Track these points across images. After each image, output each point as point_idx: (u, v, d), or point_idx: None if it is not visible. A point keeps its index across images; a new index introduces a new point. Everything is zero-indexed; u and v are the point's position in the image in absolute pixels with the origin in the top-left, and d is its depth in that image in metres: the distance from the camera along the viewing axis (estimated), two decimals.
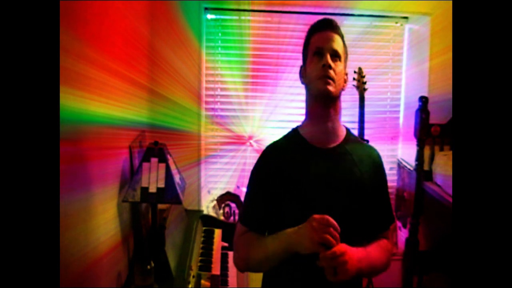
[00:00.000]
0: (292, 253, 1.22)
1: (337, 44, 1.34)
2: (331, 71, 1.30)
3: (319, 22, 1.38)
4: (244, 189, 2.76)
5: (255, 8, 2.68)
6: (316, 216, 1.17)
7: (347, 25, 2.78)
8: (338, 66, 1.33)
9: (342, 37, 1.37)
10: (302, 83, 1.42)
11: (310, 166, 1.33)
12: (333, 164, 1.34)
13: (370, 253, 1.30)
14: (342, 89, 1.37)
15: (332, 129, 1.36)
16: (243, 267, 1.41)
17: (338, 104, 1.37)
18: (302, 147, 1.37)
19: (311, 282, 1.27)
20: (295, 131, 1.44)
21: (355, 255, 1.19)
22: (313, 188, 1.31)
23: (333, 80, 1.30)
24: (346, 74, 1.39)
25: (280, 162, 1.36)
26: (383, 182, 1.42)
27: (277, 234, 1.27)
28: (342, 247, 1.15)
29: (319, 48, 1.33)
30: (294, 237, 1.21)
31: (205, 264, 2.02)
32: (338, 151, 1.36)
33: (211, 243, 2.24)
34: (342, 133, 1.40)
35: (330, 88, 1.29)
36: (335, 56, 1.33)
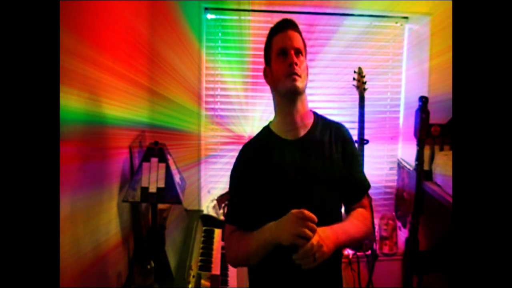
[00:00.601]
0: (275, 245, 1.30)
1: (298, 42, 1.42)
2: (297, 68, 1.38)
3: (279, 23, 1.45)
4: None
5: (255, 8, 2.68)
6: (294, 210, 1.26)
7: (347, 25, 2.78)
8: (302, 62, 1.41)
9: (300, 34, 1.46)
10: (268, 83, 1.48)
11: (283, 158, 1.42)
12: (305, 153, 1.42)
13: (347, 226, 1.39)
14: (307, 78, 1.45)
15: (300, 120, 1.44)
16: (234, 264, 1.51)
17: (304, 97, 1.45)
18: (274, 141, 1.45)
19: (294, 269, 1.30)
20: (266, 127, 1.52)
21: (331, 236, 1.28)
22: (289, 178, 1.40)
23: (299, 76, 1.38)
24: (307, 67, 1.47)
25: (255, 158, 1.45)
26: (352, 153, 1.49)
27: (261, 228, 1.35)
28: (317, 237, 1.24)
29: (283, 48, 1.40)
30: (274, 230, 1.29)
31: (205, 264, 2.02)
32: (308, 139, 1.44)
33: (211, 243, 2.24)
34: (310, 121, 1.48)
35: (298, 84, 1.37)
36: (298, 53, 1.41)
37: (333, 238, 1.28)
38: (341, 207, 1.50)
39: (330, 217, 1.38)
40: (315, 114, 1.52)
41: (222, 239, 2.35)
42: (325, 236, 1.26)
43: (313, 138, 1.44)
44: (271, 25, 1.47)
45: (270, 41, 1.44)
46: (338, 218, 1.45)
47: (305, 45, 1.46)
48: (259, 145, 1.49)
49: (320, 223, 1.29)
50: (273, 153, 1.43)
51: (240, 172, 1.46)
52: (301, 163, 1.41)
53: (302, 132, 1.45)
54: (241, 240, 1.40)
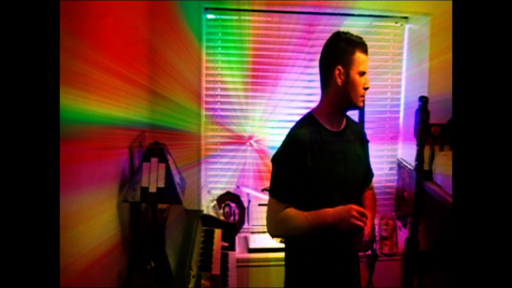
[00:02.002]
0: (332, 228, 1.58)
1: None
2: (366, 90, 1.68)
3: (363, 43, 1.66)
4: (244, 189, 2.76)
5: (255, 8, 2.67)
6: (354, 206, 1.57)
7: (347, 25, 2.77)
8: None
9: None
10: (329, 82, 1.66)
11: (331, 146, 1.67)
12: (345, 143, 1.72)
13: (372, 207, 1.81)
14: None
15: (342, 117, 1.74)
16: (278, 236, 2.03)
17: None
18: (322, 130, 1.68)
19: (334, 247, 1.67)
20: (311, 117, 1.72)
21: (370, 219, 1.66)
22: (334, 165, 1.66)
23: (364, 95, 1.68)
24: None
25: (307, 143, 1.63)
26: (367, 144, 1.88)
27: (319, 211, 1.60)
28: (369, 227, 1.62)
29: (363, 71, 1.64)
30: (336, 217, 1.58)
31: (205, 264, 2.02)
32: (345, 132, 1.73)
33: (211, 243, 2.24)
34: (344, 117, 1.75)
35: (363, 103, 1.70)
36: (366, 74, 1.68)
37: (371, 221, 1.67)
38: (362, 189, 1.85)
39: (359, 198, 1.79)
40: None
41: (222, 239, 2.35)
42: (369, 221, 1.62)
43: (348, 132, 1.75)
44: (344, 31, 1.70)
45: (354, 52, 1.63)
46: (360, 196, 1.84)
47: None
48: (308, 131, 1.66)
49: (355, 201, 1.66)
50: (321, 139, 1.65)
51: (294, 157, 1.63)
52: (344, 151, 1.70)
53: (341, 126, 1.73)
54: (296, 218, 1.61)
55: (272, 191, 1.69)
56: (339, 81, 1.64)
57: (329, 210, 1.60)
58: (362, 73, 1.64)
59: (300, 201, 1.64)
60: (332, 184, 1.67)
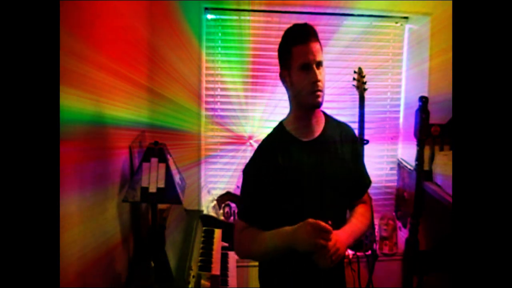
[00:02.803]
0: (291, 249, 1.37)
1: (320, 54, 1.42)
2: (320, 84, 1.41)
3: (300, 31, 1.44)
4: None
5: (255, 8, 2.67)
6: (310, 220, 1.32)
7: (347, 25, 2.77)
8: (323, 73, 1.44)
9: (319, 40, 1.44)
10: (286, 88, 1.51)
11: (300, 158, 1.47)
12: (320, 153, 1.49)
13: (355, 226, 1.50)
14: None
15: (315, 122, 1.51)
16: (244, 258, 1.62)
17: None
18: (290, 142, 1.49)
19: (306, 268, 1.42)
20: (281, 127, 1.54)
21: (345, 239, 1.40)
22: (305, 179, 1.46)
23: (322, 90, 1.43)
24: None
25: (272, 158, 1.47)
26: (357, 151, 1.60)
27: (276, 231, 1.41)
28: (334, 242, 1.34)
29: (306, 63, 1.40)
30: (292, 237, 1.36)
31: (205, 264, 2.02)
32: (321, 140, 1.50)
33: (211, 243, 2.24)
34: (322, 122, 1.54)
35: (320, 99, 1.43)
36: (319, 65, 1.43)
37: (346, 240, 1.40)
38: (347, 203, 1.59)
39: (340, 214, 1.53)
40: (325, 114, 1.58)
41: (222, 239, 2.35)
42: (339, 240, 1.36)
43: (327, 138, 1.51)
44: (289, 27, 1.48)
45: (290, 50, 1.43)
46: (345, 214, 1.57)
47: (322, 47, 1.46)
48: (276, 145, 1.51)
49: (332, 221, 1.38)
50: (290, 153, 1.46)
51: (256, 171, 1.49)
52: (317, 164, 1.47)
53: (316, 133, 1.50)
54: (255, 238, 1.45)
55: (238, 209, 1.57)
56: (288, 85, 1.48)
57: (287, 229, 1.38)
58: (305, 66, 1.40)
59: (270, 219, 1.45)
60: (302, 201, 1.45)
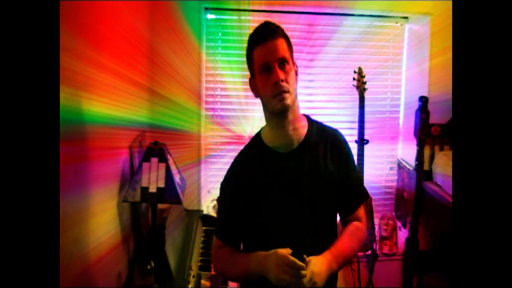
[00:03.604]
0: (263, 276, 1.24)
1: (281, 51, 1.27)
2: (284, 84, 1.26)
3: (257, 32, 1.31)
4: None
5: (255, 8, 2.67)
6: (279, 252, 1.19)
7: (347, 25, 2.77)
8: (290, 73, 1.29)
9: (283, 35, 1.30)
10: (256, 96, 1.37)
11: (275, 172, 1.34)
12: (297, 167, 1.34)
13: (340, 249, 1.31)
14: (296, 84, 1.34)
15: (293, 131, 1.35)
16: (222, 276, 1.50)
17: (295, 106, 1.34)
18: (266, 155, 1.37)
19: None
20: (258, 137, 1.43)
21: (324, 268, 1.23)
22: (281, 194, 1.33)
23: (288, 91, 1.27)
24: (294, 64, 1.34)
25: (246, 173, 1.37)
26: (348, 163, 1.40)
27: (249, 256, 1.30)
28: (309, 275, 1.17)
29: (265, 63, 1.27)
30: (262, 266, 1.23)
31: (205, 264, 2.02)
32: (301, 151, 1.35)
33: (211, 243, 2.24)
34: (303, 129, 1.38)
35: (287, 101, 1.28)
36: (283, 63, 1.28)
37: (326, 268, 1.23)
38: (334, 219, 1.44)
39: (325, 232, 1.37)
40: (309, 120, 1.43)
41: None
42: (318, 270, 1.20)
43: (307, 149, 1.35)
44: (249, 36, 1.34)
45: (251, 53, 1.31)
46: (333, 229, 1.41)
47: (290, 48, 1.32)
48: (250, 158, 1.41)
49: (314, 237, 1.31)
50: (264, 167, 1.35)
51: (230, 187, 1.40)
52: (294, 178, 1.33)
53: (296, 143, 1.36)
54: (229, 259, 1.36)
55: (216, 228, 1.45)
56: (256, 93, 1.35)
57: (259, 255, 1.25)
58: (265, 67, 1.26)
59: (246, 238, 1.39)
60: (279, 219, 1.32)
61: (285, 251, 1.20)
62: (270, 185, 1.34)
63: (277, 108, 1.29)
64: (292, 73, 1.30)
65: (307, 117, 1.44)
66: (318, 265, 1.21)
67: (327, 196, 1.36)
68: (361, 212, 1.45)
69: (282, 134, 1.35)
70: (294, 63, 1.34)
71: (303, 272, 1.17)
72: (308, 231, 1.33)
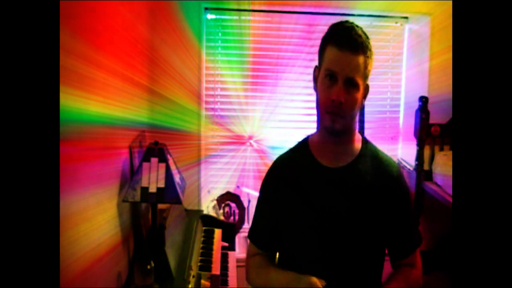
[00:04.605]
0: None
1: (357, 70, 1.15)
2: (342, 107, 1.15)
3: (341, 32, 1.17)
4: (244, 189, 2.76)
5: (255, 8, 2.67)
6: (312, 280, 1.12)
7: None
8: (354, 96, 1.16)
9: (366, 51, 1.19)
10: (314, 89, 1.26)
11: (317, 187, 1.24)
12: (341, 186, 1.23)
13: None
14: (359, 109, 1.24)
15: (343, 149, 1.26)
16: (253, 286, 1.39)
17: (350, 129, 1.25)
18: (310, 165, 1.27)
19: None
20: (305, 143, 1.33)
21: None
22: (319, 211, 1.23)
23: (343, 116, 1.16)
24: (368, 87, 1.24)
25: (287, 179, 1.28)
26: (401, 199, 1.27)
27: (281, 273, 1.24)
28: None
29: (333, 72, 1.15)
30: (290, 285, 1.17)
31: (205, 264, 2.02)
32: (347, 172, 1.24)
33: (211, 243, 2.24)
34: (356, 150, 1.27)
35: (337, 126, 1.18)
36: (351, 84, 1.16)
37: None
38: (378, 258, 1.31)
39: (365, 266, 1.25)
40: (364, 141, 1.32)
41: (222, 239, 2.35)
42: None
43: (355, 172, 1.24)
44: (332, 24, 1.21)
45: (325, 47, 1.18)
46: (376, 270, 1.29)
47: (367, 66, 1.20)
48: (294, 164, 1.30)
49: (351, 271, 1.20)
50: (307, 178, 1.25)
51: (268, 192, 1.32)
52: (337, 197, 1.22)
53: (344, 162, 1.25)
54: (261, 270, 1.31)
55: (249, 229, 1.38)
56: (314, 82, 1.24)
57: (290, 276, 1.19)
58: (331, 75, 1.15)
59: (281, 248, 1.31)
60: (311, 238, 1.23)
61: (319, 283, 1.12)
62: (309, 200, 1.24)
63: (326, 126, 1.20)
64: (357, 95, 1.17)
65: (364, 138, 1.33)
66: None
67: (368, 229, 1.23)
68: (415, 257, 1.31)
69: (332, 149, 1.25)
70: (365, 84, 1.21)
71: None
72: (342, 261, 1.23)
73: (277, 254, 1.39)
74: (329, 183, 1.24)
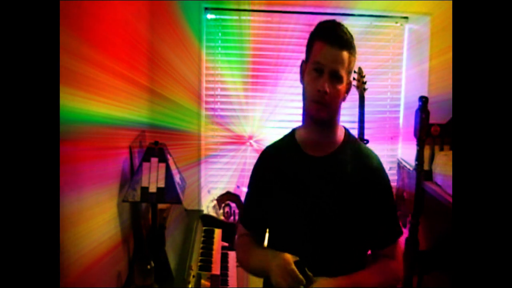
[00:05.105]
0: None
1: (342, 64, 1.24)
2: (327, 97, 1.23)
3: (329, 29, 1.27)
4: (244, 189, 2.76)
5: (255, 8, 2.67)
6: (284, 256, 1.19)
7: (347, 25, 2.76)
8: (338, 88, 1.25)
9: (351, 48, 1.27)
10: (301, 81, 1.34)
11: (300, 174, 1.32)
12: (324, 174, 1.30)
13: (358, 280, 1.24)
14: (342, 101, 1.31)
15: (327, 138, 1.33)
16: (240, 265, 1.51)
17: (333, 120, 1.32)
18: (295, 154, 1.35)
19: None
20: (292, 134, 1.41)
21: None
22: (302, 197, 1.30)
23: (328, 106, 1.25)
24: (350, 83, 1.31)
25: (273, 167, 1.37)
26: (382, 191, 1.33)
27: (261, 251, 1.35)
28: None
29: (320, 65, 1.24)
30: (267, 264, 1.24)
31: (205, 264, 2.02)
32: (330, 160, 1.31)
33: (211, 243, 2.24)
34: (339, 140, 1.35)
35: (323, 114, 1.26)
36: (336, 77, 1.24)
37: None
38: (365, 246, 1.38)
39: (343, 254, 1.30)
40: (347, 132, 1.40)
41: (222, 239, 2.35)
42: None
43: (337, 160, 1.31)
44: (327, 20, 1.30)
45: (313, 42, 1.28)
46: (356, 258, 1.33)
47: (351, 63, 1.27)
48: (281, 153, 1.39)
49: (329, 257, 1.27)
50: (292, 166, 1.34)
51: (258, 176, 1.42)
52: (320, 184, 1.30)
53: (326, 151, 1.32)
54: (246, 250, 1.41)
55: (240, 212, 1.54)
56: (301, 76, 1.32)
57: (268, 254, 1.27)
58: (318, 68, 1.23)
59: (269, 229, 1.40)
60: (294, 221, 1.30)
61: (291, 258, 1.19)
62: (293, 186, 1.32)
63: (312, 115, 1.28)
64: (340, 88, 1.26)
65: (346, 129, 1.40)
66: (324, 285, 1.18)
67: (349, 214, 1.28)
68: (394, 249, 1.36)
69: (315, 138, 1.33)
70: (348, 79, 1.29)
71: (301, 287, 1.15)
72: (324, 247, 1.28)
73: (266, 236, 1.47)
74: (312, 170, 1.31)
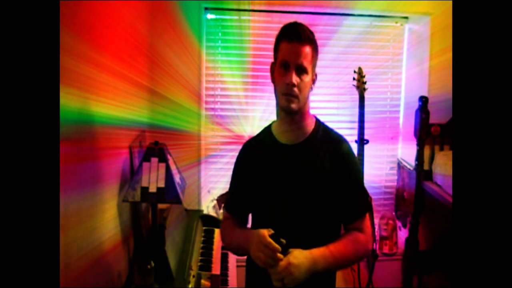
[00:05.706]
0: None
1: (305, 58, 1.35)
2: (295, 89, 1.35)
3: (290, 29, 1.38)
4: None
5: (255, 8, 2.67)
6: (259, 231, 1.27)
7: (347, 25, 2.78)
8: (304, 80, 1.36)
9: (312, 43, 1.37)
10: (271, 80, 1.45)
11: (277, 161, 1.44)
12: (296, 160, 1.42)
13: (330, 252, 1.32)
14: (310, 91, 1.42)
15: (298, 128, 1.44)
16: (226, 247, 1.67)
17: (303, 110, 1.42)
18: (271, 144, 1.47)
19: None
20: (269, 127, 1.54)
21: (306, 262, 1.26)
22: (278, 182, 1.42)
23: (296, 97, 1.36)
24: (316, 75, 1.43)
25: (252, 157, 1.51)
26: (350, 172, 1.43)
27: (241, 231, 1.47)
28: (285, 263, 1.23)
29: (286, 62, 1.35)
30: (246, 241, 1.33)
31: (205, 264, 2.02)
32: (303, 147, 1.43)
33: (211, 243, 2.24)
34: (310, 129, 1.45)
35: (293, 105, 1.36)
36: (301, 70, 1.35)
37: (307, 263, 1.26)
38: (337, 223, 1.47)
39: (318, 229, 1.41)
40: (317, 121, 1.49)
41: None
42: (297, 262, 1.24)
43: (309, 147, 1.42)
44: (282, 25, 1.41)
45: (278, 44, 1.39)
46: (330, 233, 1.43)
47: (314, 57, 1.39)
48: (259, 144, 1.53)
49: (305, 233, 1.37)
50: (267, 155, 1.47)
51: (238, 168, 1.55)
52: (293, 169, 1.42)
53: (300, 138, 1.44)
54: (229, 231, 1.53)
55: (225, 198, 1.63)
56: (271, 77, 1.44)
57: (247, 232, 1.38)
58: (284, 65, 1.35)
59: (248, 214, 1.56)
60: (271, 206, 1.43)
61: (266, 232, 1.27)
62: (269, 172, 1.44)
63: (283, 106, 1.39)
64: (307, 80, 1.37)
65: (316, 118, 1.50)
66: (299, 258, 1.26)
67: (320, 195, 1.40)
68: (364, 224, 1.44)
69: (287, 128, 1.44)
70: (313, 71, 1.41)
71: (279, 256, 1.23)
72: (299, 225, 1.40)
73: (249, 219, 1.60)
74: (286, 158, 1.44)
